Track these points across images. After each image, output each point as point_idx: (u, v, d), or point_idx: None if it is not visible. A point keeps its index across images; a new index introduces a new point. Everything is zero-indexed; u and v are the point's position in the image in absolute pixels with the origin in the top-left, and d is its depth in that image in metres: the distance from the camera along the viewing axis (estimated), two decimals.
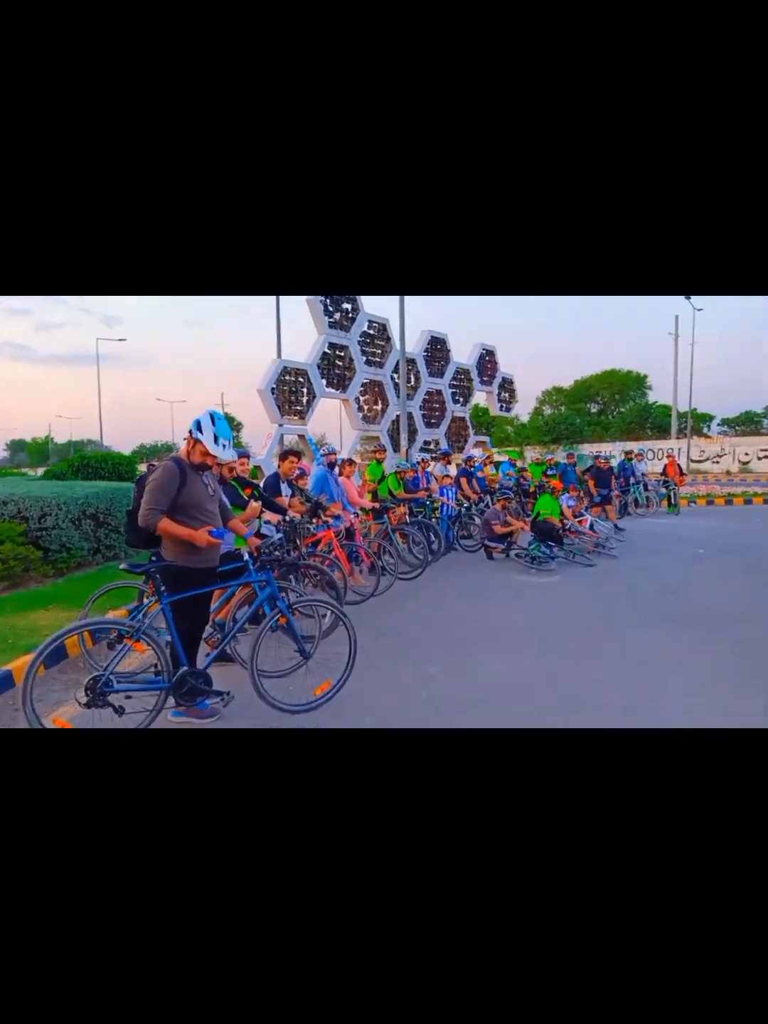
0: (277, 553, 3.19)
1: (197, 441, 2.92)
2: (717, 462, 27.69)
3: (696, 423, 31.65)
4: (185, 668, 2.92)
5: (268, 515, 4.50)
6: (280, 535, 3.44)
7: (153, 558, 3.11)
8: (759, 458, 26.12)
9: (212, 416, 2.92)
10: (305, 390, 12.76)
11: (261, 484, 5.08)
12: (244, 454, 4.63)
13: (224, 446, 2.93)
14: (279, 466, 5.20)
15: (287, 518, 4.48)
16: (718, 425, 37.79)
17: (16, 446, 66.49)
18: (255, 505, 4.03)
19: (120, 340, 61.95)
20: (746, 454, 26.78)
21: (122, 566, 2.87)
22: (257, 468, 10.86)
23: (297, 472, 5.41)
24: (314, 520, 5.40)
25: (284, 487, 5.13)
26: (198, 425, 2.91)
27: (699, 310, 28.35)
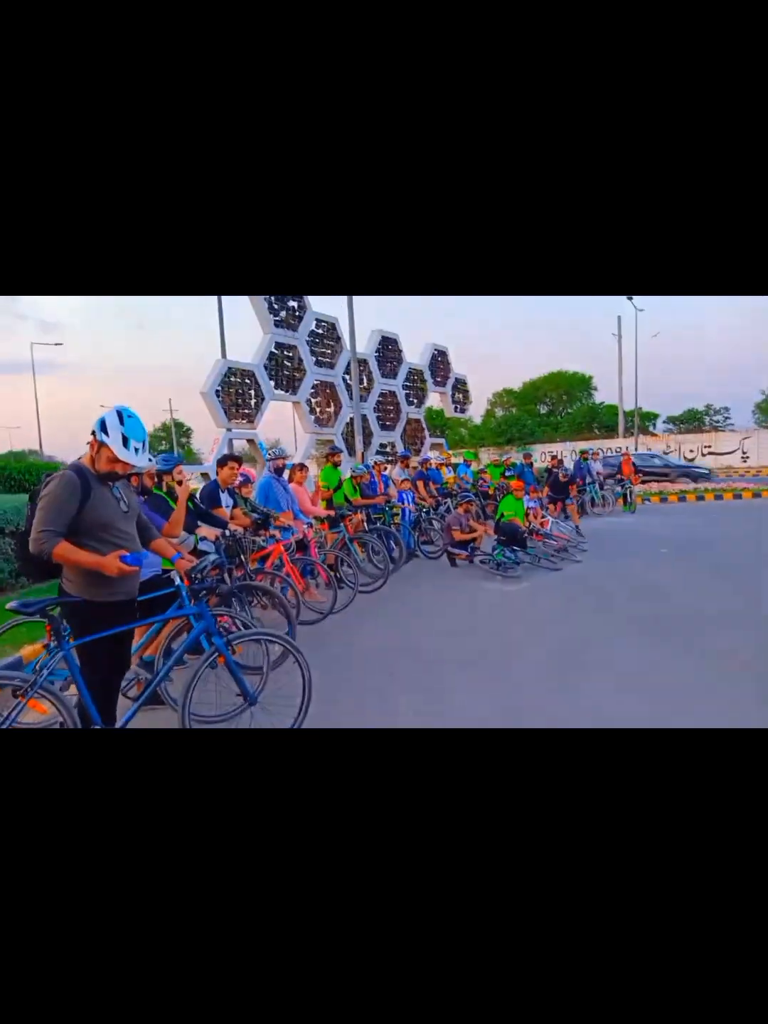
0: (211, 578, 2.62)
1: (102, 445, 2.34)
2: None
3: (642, 422, 32.43)
4: (98, 728, 2.34)
5: (204, 530, 3.91)
6: (215, 555, 2.87)
7: (62, 590, 2.50)
8: (703, 455, 26.90)
9: (120, 414, 2.34)
10: (252, 392, 12.11)
11: (197, 494, 4.48)
12: (178, 462, 4.02)
13: (136, 450, 2.35)
14: (218, 473, 4.60)
15: (227, 532, 3.90)
16: (663, 423, 38.93)
17: None
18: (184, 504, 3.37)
19: (56, 344, 58.44)
20: (691, 451, 27.52)
21: (10, 605, 2.25)
22: (205, 475, 10.15)
23: (240, 479, 4.82)
24: (261, 533, 4.84)
25: (225, 497, 4.53)
26: (103, 425, 2.32)
27: (641, 310, 28.99)
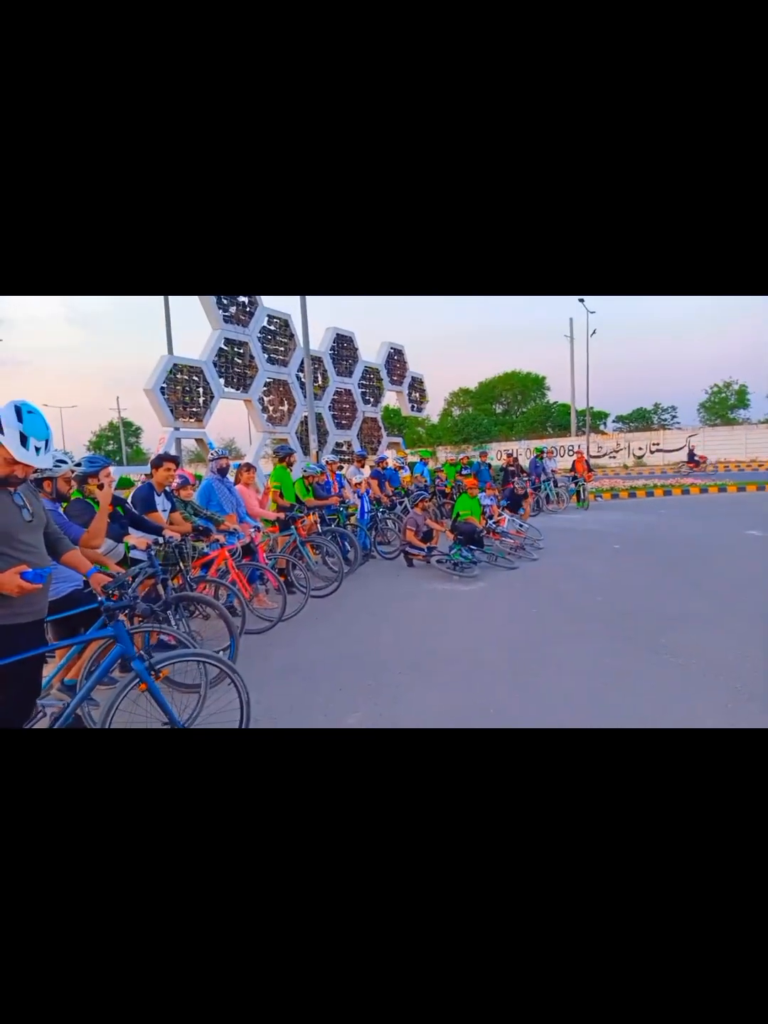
0: (128, 595, 2.33)
1: None
2: (614, 457, 29.16)
3: (593, 420, 33.20)
4: None
5: (135, 538, 3.57)
6: (141, 566, 2.58)
7: None
8: (652, 452, 27.76)
9: (18, 409, 2.03)
10: (201, 390, 11.62)
11: (129, 498, 4.13)
12: (105, 464, 3.67)
13: (37, 449, 2.05)
14: (153, 475, 4.26)
15: (160, 539, 3.58)
16: (613, 421, 39.94)
17: None
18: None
19: None
20: (640, 448, 28.37)
21: None
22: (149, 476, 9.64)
23: (178, 481, 4.49)
24: (204, 538, 4.53)
25: (161, 500, 4.20)
26: None
27: (592, 313, 29.58)
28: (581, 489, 13.35)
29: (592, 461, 22.17)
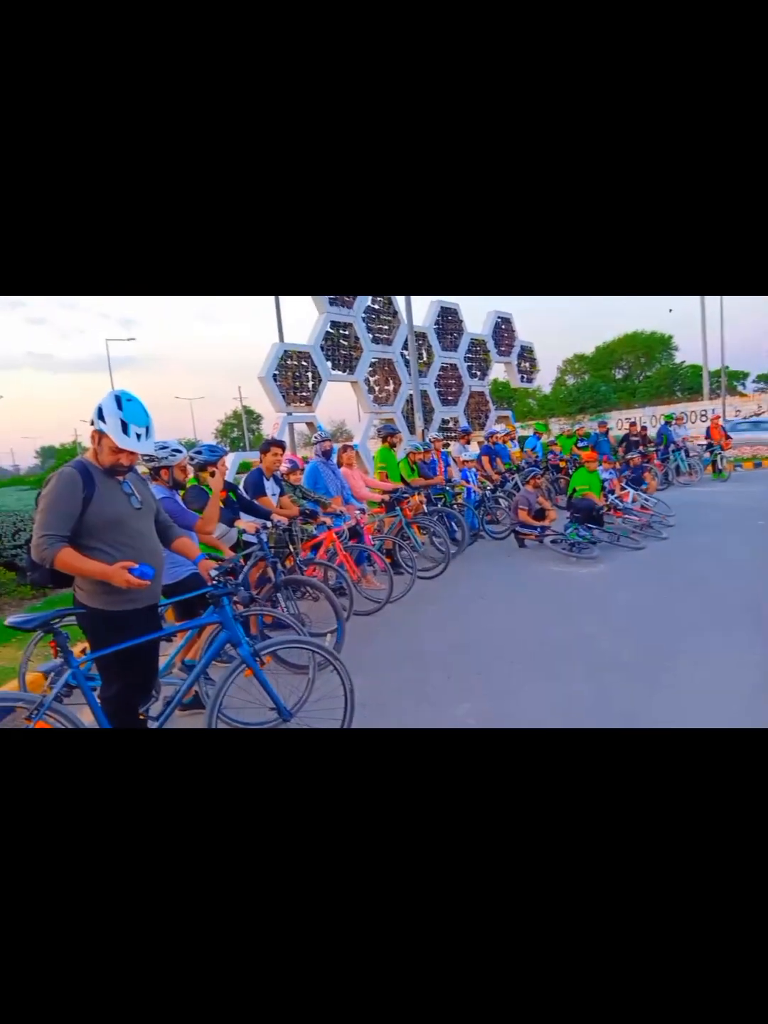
0: (231, 583, 2.32)
1: (102, 435, 2.08)
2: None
3: (729, 381, 29.62)
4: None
5: (244, 522, 3.64)
6: (250, 551, 2.58)
7: (76, 599, 2.30)
8: None
9: (118, 398, 2.07)
10: (310, 374, 11.85)
11: (242, 484, 4.23)
12: (223, 453, 3.74)
13: (138, 436, 2.08)
14: (261, 460, 4.32)
15: (268, 523, 3.62)
16: (753, 382, 35.50)
17: (46, 453, 66.54)
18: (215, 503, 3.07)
19: (129, 339, 60.74)
20: None
21: (9, 621, 2.06)
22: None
23: (286, 465, 4.54)
24: (311, 521, 4.56)
25: (270, 484, 4.26)
26: (100, 412, 2.06)
27: None
28: (718, 458, 11.94)
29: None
